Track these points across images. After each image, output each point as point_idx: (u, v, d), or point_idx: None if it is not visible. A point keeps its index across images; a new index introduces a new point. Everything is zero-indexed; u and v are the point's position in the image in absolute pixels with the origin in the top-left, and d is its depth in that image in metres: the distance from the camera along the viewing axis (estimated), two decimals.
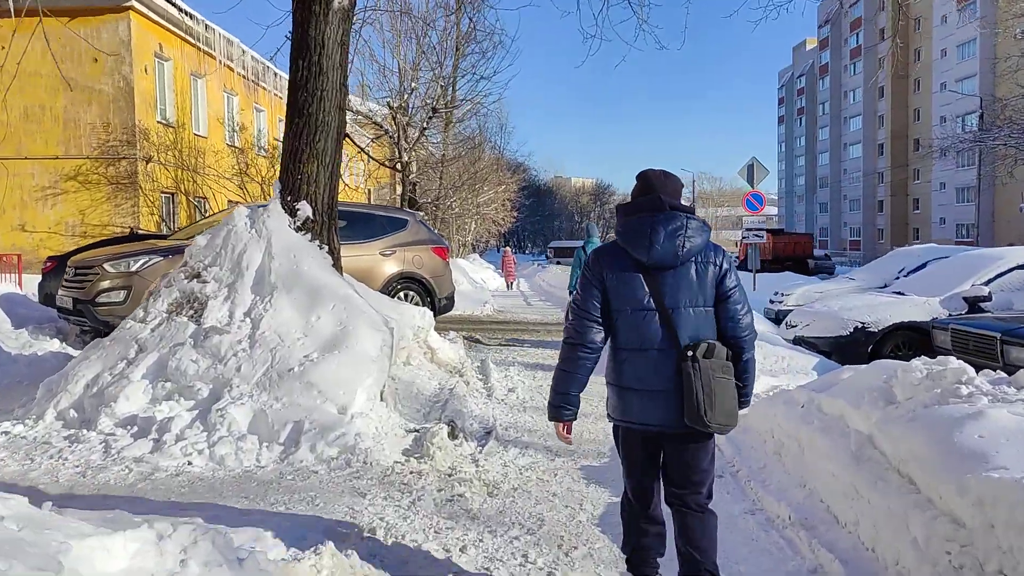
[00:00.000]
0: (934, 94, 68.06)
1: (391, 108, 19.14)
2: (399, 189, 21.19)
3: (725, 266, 3.12)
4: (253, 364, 5.66)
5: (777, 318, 11.92)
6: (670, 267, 3.05)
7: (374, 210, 11.14)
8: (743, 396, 3.17)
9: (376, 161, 13.79)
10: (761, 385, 7.04)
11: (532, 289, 30.12)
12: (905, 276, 11.33)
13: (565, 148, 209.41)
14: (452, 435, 5.88)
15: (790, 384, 7.06)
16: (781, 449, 5.34)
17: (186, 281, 6.47)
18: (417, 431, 5.82)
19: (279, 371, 5.59)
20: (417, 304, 11.17)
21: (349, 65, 7.25)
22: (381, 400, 6.06)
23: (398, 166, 20.23)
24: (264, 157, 24.65)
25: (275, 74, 28.83)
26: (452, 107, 22.00)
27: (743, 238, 25.27)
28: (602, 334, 3.14)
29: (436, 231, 12.09)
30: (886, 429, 4.14)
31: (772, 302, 12.40)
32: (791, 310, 11.73)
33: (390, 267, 10.85)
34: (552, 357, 11.18)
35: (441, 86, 20.27)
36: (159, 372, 5.82)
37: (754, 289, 22.67)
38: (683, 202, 3.24)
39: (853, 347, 8.88)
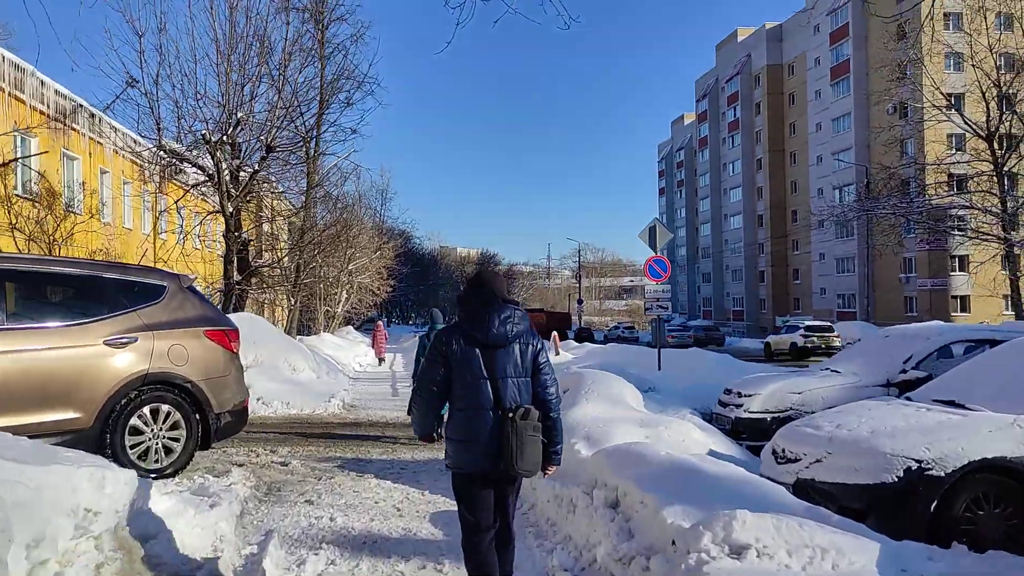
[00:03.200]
0: (811, 167, 69.03)
1: (207, 142, 14.79)
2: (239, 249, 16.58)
3: (539, 346, 3.97)
4: None
5: (735, 429, 8.19)
6: (501, 346, 3.84)
7: (99, 270, 6.77)
8: (553, 452, 3.96)
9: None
10: None
11: (407, 367, 25.93)
12: (914, 367, 7.89)
13: (449, 219, 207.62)
14: None
15: None
16: None
17: None
18: None
19: None
20: (176, 427, 6.80)
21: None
22: None
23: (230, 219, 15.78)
24: (74, 214, 19.67)
25: (92, 115, 23.94)
26: (302, 146, 17.67)
27: (646, 309, 21.90)
28: (438, 396, 3.91)
29: (214, 303, 7.78)
30: None
31: (725, 404, 8.61)
32: (763, 419, 8.02)
33: (123, 365, 6.41)
34: (405, 501, 7.07)
35: (279, 117, 16.02)
36: None
37: (659, 369, 19.13)
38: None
39: (904, 503, 5.16)
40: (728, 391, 8.71)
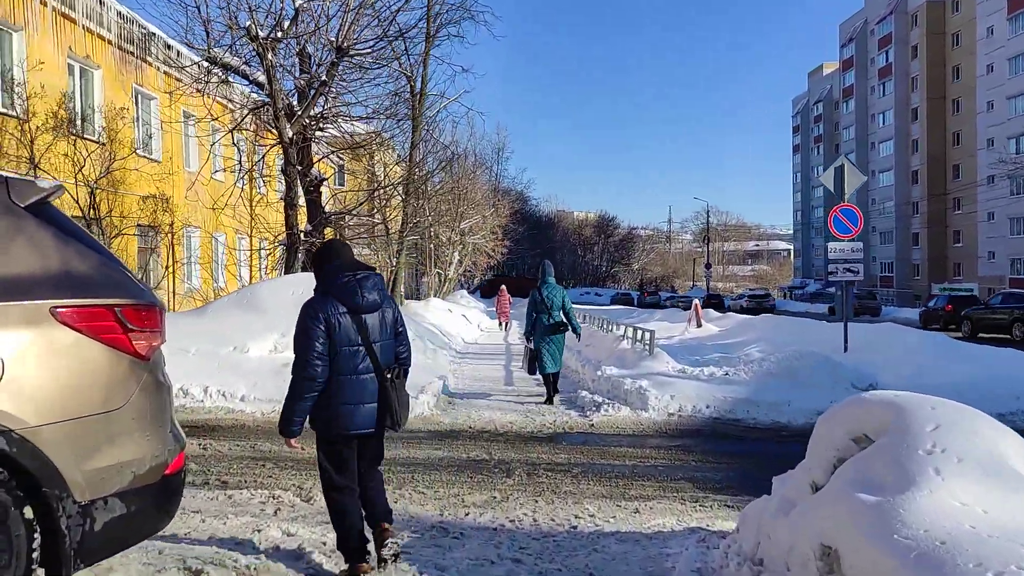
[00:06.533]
0: (979, 114, 60.34)
1: (253, 39, 10.95)
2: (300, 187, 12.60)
3: (398, 311, 4.23)
4: None
5: None
6: (372, 312, 4.00)
7: None
8: None
9: None
10: None
11: (522, 339, 22.11)
12: None
13: (566, 178, 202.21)
14: None
15: None
16: None
17: None
18: None
19: None
20: None
21: None
22: None
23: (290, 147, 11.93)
24: (75, 136, 16.14)
25: (168, 46, 20.70)
26: (386, 47, 13.51)
27: (829, 273, 16.92)
28: (326, 368, 3.88)
29: (105, 244, 3.95)
30: None
31: None
32: None
33: None
34: None
35: (354, 6, 11.81)
36: None
37: (845, 351, 14.25)
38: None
39: None
40: None
